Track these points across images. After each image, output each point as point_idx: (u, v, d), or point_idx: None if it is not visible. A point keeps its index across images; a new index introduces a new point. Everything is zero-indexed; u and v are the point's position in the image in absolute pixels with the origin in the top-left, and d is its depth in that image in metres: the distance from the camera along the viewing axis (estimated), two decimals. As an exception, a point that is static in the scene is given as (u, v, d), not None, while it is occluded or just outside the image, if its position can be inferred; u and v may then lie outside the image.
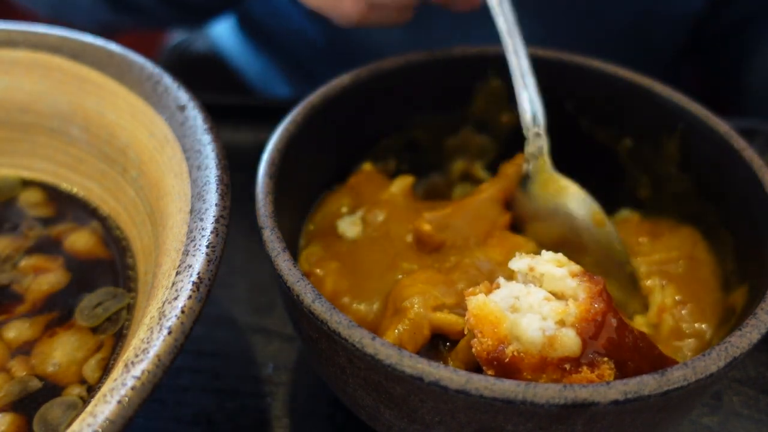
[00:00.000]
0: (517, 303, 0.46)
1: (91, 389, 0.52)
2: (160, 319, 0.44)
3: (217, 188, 0.52)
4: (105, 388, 0.41)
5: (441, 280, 0.53)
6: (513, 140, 0.71)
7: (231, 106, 0.90)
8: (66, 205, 0.67)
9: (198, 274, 0.46)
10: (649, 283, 0.58)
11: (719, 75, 1.12)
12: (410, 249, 0.59)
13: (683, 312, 0.56)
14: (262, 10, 1.12)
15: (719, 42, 1.07)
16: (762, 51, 1.00)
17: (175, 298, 0.45)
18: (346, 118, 0.64)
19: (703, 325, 0.56)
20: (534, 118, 0.61)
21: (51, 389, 0.53)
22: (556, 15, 0.95)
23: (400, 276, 0.56)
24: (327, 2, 0.63)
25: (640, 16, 0.98)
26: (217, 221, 0.49)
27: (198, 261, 0.47)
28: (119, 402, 0.40)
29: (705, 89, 1.21)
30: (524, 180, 0.62)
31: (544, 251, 0.49)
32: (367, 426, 0.53)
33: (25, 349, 0.55)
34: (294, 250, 0.59)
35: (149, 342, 0.43)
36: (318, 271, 0.57)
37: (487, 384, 0.41)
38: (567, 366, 0.44)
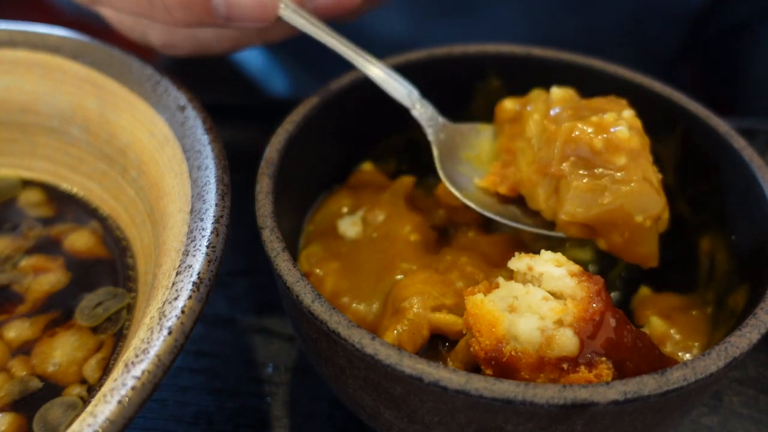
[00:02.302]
0: (516, 302, 0.46)
1: (92, 389, 0.52)
2: (160, 319, 0.44)
3: (217, 188, 0.52)
4: (105, 388, 0.41)
5: (440, 280, 0.53)
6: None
7: (231, 106, 0.90)
8: (66, 205, 0.67)
9: (198, 274, 0.46)
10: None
11: (719, 75, 1.12)
12: (410, 249, 0.59)
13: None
14: None
15: (720, 42, 1.07)
16: (762, 52, 1.00)
17: (175, 298, 0.45)
18: (346, 118, 0.64)
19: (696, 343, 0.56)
20: (409, 92, 0.61)
21: (51, 389, 0.53)
22: (552, 11, 0.95)
23: (399, 276, 0.56)
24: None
25: (638, 13, 0.98)
26: (217, 221, 0.49)
27: (198, 261, 0.47)
28: (119, 402, 0.40)
29: (705, 89, 1.21)
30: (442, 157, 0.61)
31: (543, 251, 0.49)
32: (367, 426, 0.53)
33: (25, 349, 0.55)
34: (294, 250, 0.59)
35: (149, 342, 0.43)
36: (318, 271, 0.57)
37: (486, 384, 0.41)
38: (565, 366, 0.44)
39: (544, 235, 0.57)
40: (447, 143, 0.62)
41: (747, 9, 1.02)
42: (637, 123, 0.53)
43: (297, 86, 1.18)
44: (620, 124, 0.52)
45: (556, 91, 0.58)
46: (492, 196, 0.60)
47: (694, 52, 1.13)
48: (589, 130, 0.52)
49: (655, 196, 0.52)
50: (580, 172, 0.52)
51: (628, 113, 0.54)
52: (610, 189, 0.51)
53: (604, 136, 0.51)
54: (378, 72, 0.61)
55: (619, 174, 0.51)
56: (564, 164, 0.52)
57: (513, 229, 0.63)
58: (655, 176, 0.53)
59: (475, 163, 0.62)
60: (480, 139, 0.63)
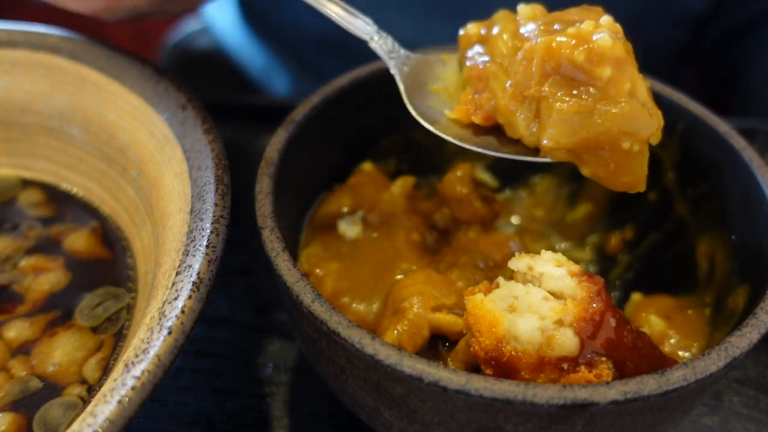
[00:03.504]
0: (516, 302, 0.46)
1: (91, 389, 0.52)
2: (160, 319, 0.44)
3: (217, 188, 0.52)
4: (105, 388, 0.41)
5: (440, 280, 0.53)
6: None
7: (231, 105, 0.90)
8: (66, 205, 0.67)
9: (198, 274, 0.46)
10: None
11: (721, 76, 1.12)
12: (410, 249, 0.59)
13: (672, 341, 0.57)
14: (266, 3, 1.12)
15: (721, 44, 1.07)
16: (764, 53, 1.00)
17: (175, 298, 0.45)
18: (346, 118, 0.64)
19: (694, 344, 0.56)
20: (365, 23, 0.59)
21: (51, 389, 0.53)
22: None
23: (399, 276, 0.56)
24: None
25: (639, 14, 0.97)
26: (217, 221, 0.49)
27: (198, 261, 0.47)
28: (119, 402, 0.40)
29: (705, 89, 1.21)
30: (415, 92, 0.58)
31: (543, 251, 0.49)
32: (367, 426, 0.53)
33: (25, 349, 0.55)
34: (294, 250, 0.59)
35: (149, 342, 0.43)
36: (318, 271, 0.57)
37: (486, 384, 0.41)
38: (565, 366, 0.44)
39: (530, 162, 0.52)
40: (412, 76, 0.58)
41: (749, 11, 1.02)
42: (618, 28, 0.49)
43: (297, 86, 1.18)
44: (601, 31, 0.47)
45: (524, 8, 0.54)
46: (466, 128, 0.55)
47: (695, 54, 1.13)
48: (568, 41, 0.47)
49: (646, 117, 0.47)
50: (563, 92, 0.47)
51: (606, 19, 0.49)
52: (598, 110, 0.47)
53: (585, 46, 0.46)
54: (333, 7, 0.58)
55: (606, 90, 0.47)
56: (544, 85, 0.48)
57: (514, 229, 0.63)
58: (643, 85, 0.48)
59: (443, 95, 0.58)
60: (446, 69, 0.59)
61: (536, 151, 0.51)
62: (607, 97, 0.47)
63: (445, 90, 0.58)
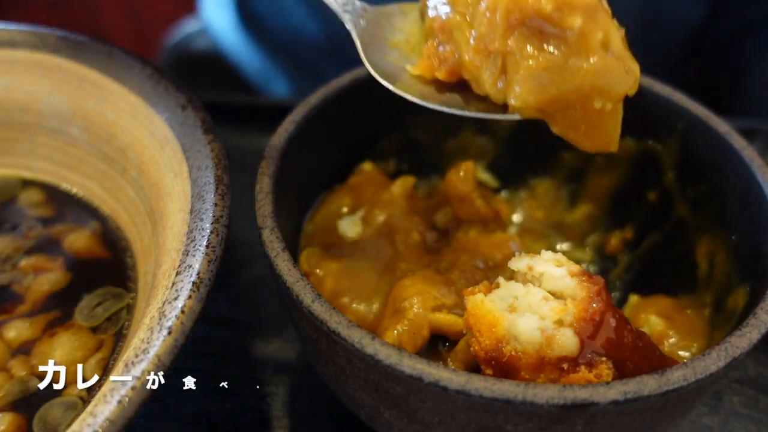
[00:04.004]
0: (516, 302, 0.46)
1: (91, 389, 0.52)
2: (160, 319, 0.44)
3: (217, 188, 0.52)
4: (105, 388, 0.41)
5: (440, 281, 0.53)
6: (513, 141, 0.71)
7: (231, 106, 0.90)
8: (66, 205, 0.67)
9: (198, 274, 0.46)
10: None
11: (721, 76, 1.12)
12: (410, 249, 0.59)
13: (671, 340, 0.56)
14: (263, 7, 1.12)
15: (722, 45, 1.07)
16: (762, 57, 1.00)
17: (175, 298, 0.45)
18: (346, 118, 0.64)
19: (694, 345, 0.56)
20: None
21: (51, 389, 0.53)
22: None
23: (399, 276, 0.56)
24: None
25: (641, 23, 0.98)
26: (216, 221, 0.49)
27: (198, 261, 0.47)
28: (119, 402, 0.40)
29: (705, 89, 1.21)
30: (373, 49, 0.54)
31: (543, 251, 0.49)
32: (367, 426, 0.53)
33: (25, 349, 0.55)
34: (294, 250, 0.59)
35: (149, 342, 0.43)
36: (318, 271, 0.57)
37: (486, 384, 0.41)
38: (565, 366, 0.44)
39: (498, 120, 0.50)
40: (370, 30, 0.54)
41: (748, 15, 1.02)
42: None
43: (295, 90, 1.18)
44: None
45: None
46: (430, 85, 0.51)
47: (694, 59, 1.14)
48: None
49: (620, 72, 0.44)
50: (530, 46, 0.44)
51: None
52: (569, 66, 0.43)
53: None
54: None
55: (577, 43, 0.43)
56: (510, 39, 0.44)
57: (514, 229, 0.63)
58: (617, 34, 0.45)
59: (404, 49, 0.54)
60: (407, 21, 0.55)
61: (505, 107, 0.48)
62: (578, 51, 0.44)
63: (407, 43, 0.55)
